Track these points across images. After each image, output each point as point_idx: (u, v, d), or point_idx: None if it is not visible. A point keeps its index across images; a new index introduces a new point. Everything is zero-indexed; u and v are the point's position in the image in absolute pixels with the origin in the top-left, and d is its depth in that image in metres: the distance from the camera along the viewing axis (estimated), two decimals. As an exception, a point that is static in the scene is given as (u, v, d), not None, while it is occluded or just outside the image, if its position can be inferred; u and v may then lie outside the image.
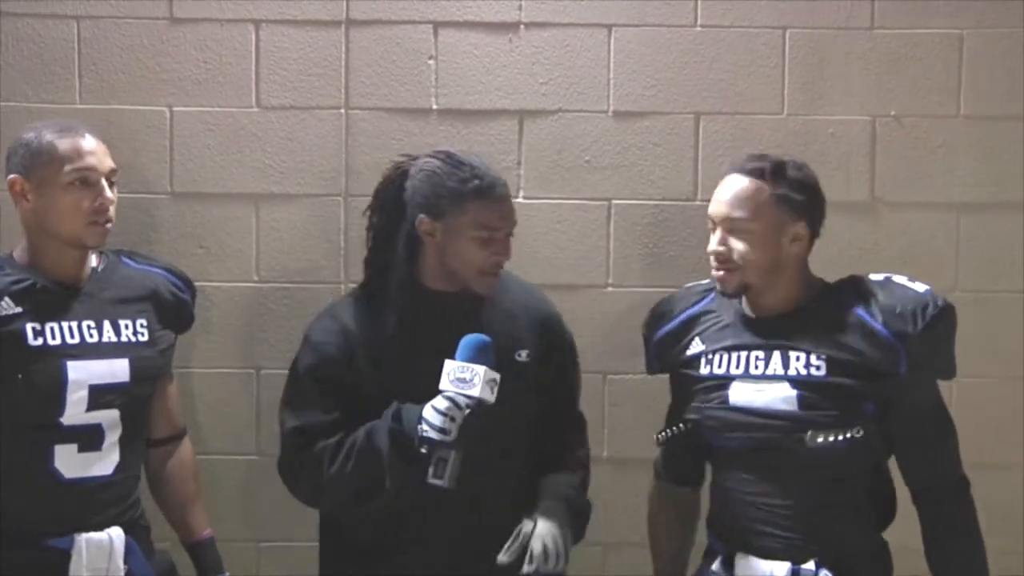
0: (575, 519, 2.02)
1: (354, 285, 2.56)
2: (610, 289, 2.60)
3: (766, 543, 1.98)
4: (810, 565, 1.93)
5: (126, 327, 2.05)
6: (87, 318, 2.01)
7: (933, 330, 1.92)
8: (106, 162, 2.01)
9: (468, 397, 1.87)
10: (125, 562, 2.01)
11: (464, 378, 1.88)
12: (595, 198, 2.59)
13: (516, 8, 2.59)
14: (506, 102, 2.60)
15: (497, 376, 1.90)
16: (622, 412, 2.61)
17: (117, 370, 2.02)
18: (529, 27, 2.59)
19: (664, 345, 2.15)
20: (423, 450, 1.87)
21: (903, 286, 1.98)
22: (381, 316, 2.04)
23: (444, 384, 1.89)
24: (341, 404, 2.00)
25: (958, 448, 2.01)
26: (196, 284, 2.28)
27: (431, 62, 2.59)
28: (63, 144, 1.97)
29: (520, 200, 2.55)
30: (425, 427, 1.87)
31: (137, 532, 2.07)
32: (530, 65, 2.59)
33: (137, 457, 2.12)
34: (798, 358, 1.95)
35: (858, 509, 2.00)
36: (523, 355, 2.05)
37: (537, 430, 2.09)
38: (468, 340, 1.92)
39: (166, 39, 2.57)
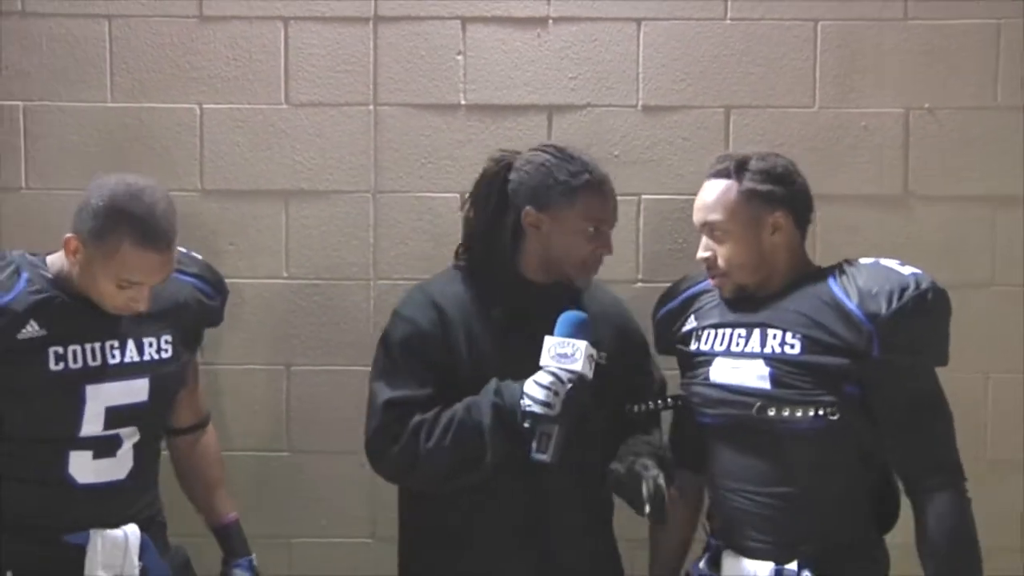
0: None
1: (383, 282, 2.58)
2: (640, 284, 2.59)
3: (750, 540, 1.97)
4: (793, 566, 1.92)
5: (150, 345, 2.02)
6: (111, 337, 1.97)
7: (906, 312, 1.86)
8: (161, 275, 1.95)
9: (571, 372, 1.90)
10: (140, 558, 2.01)
11: (566, 353, 1.90)
12: (624, 193, 2.53)
13: (544, 3, 2.58)
14: (534, 97, 2.59)
15: (595, 352, 1.93)
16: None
17: (136, 389, 1.99)
18: (557, 22, 2.58)
19: (664, 323, 2.19)
20: (526, 425, 1.89)
21: (888, 268, 1.94)
22: (477, 300, 2.07)
23: (545, 360, 1.92)
24: (434, 378, 2.01)
25: (951, 438, 1.93)
26: (226, 281, 2.28)
27: (459, 58, 2.59)
28: (131, 251, 1.88)
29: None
30: (528, 402, 1.89)
31: (153, 529, 2.07)
32: (558, 60, 2.58)
33: (154, 457, 2.11)
34: (775, 336, 1.95)
35: (846, 503, 1.96)
36: (603, 357, 2.05)
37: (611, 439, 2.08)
38: (568, 316, 1.95)
39: (196, 37, 2.58)
